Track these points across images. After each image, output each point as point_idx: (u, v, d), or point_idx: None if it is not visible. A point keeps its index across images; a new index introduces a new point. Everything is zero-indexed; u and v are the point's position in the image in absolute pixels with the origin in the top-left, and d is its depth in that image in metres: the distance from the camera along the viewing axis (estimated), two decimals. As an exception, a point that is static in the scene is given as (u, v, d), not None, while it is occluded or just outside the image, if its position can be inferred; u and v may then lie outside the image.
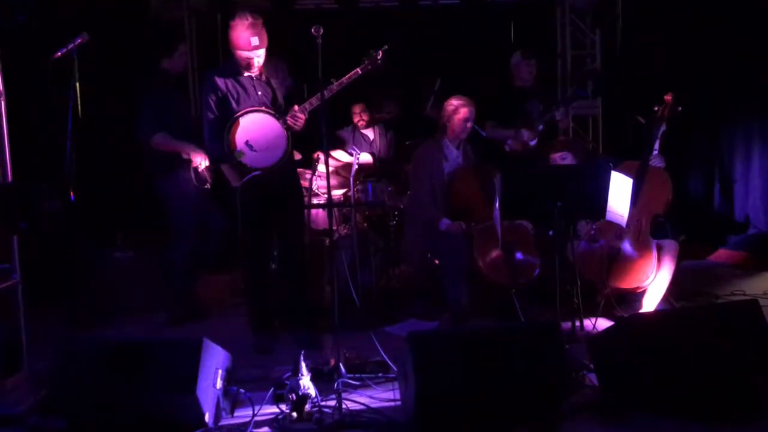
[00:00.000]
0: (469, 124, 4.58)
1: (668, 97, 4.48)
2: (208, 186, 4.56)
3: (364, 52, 4.04)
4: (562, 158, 4.65)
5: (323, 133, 3.66)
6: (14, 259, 3.61)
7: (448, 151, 4.65)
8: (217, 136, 3.95)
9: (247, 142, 3.92)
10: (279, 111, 4.02)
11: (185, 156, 4.47)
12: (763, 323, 3.16)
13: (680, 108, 4.47)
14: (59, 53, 3.64)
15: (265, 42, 3.92)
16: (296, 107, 3.94)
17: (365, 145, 5.88)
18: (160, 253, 4.84)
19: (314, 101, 3.91)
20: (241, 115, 3.94)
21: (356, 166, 5.15)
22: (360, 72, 3.97)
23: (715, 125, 6.40)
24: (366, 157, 5.56)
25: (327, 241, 4.83)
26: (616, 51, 6.56)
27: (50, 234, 4.57)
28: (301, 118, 3.94)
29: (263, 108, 3.98)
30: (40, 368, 3.57)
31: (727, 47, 6.11)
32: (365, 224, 5.28)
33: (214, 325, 4.76)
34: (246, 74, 4.01)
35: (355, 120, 5.93)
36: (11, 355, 3.54)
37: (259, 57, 3.95)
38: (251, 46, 3.88)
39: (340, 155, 5.46)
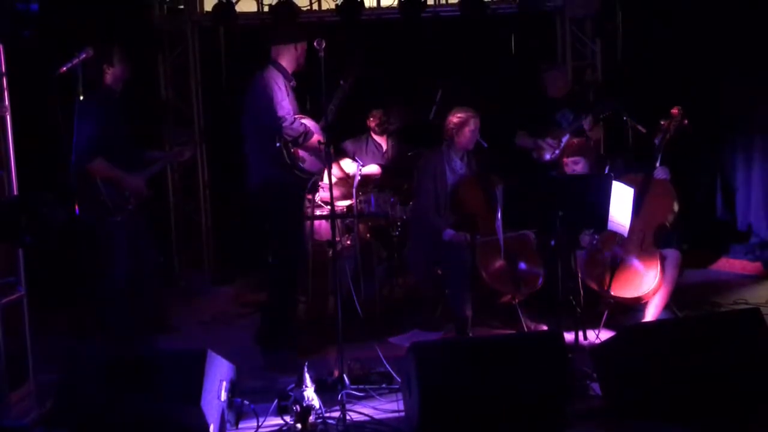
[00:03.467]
0: (474, 135, 4.59)
1: (675, 111, 4.42)
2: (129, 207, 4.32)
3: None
4: (575, 162, 4.64)
5: (326, 143, 3.70)
6: (19, 272, 3.63)
7: (453, 163, 4.67)
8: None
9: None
10: None
11: (126, 186, 4.25)
12: (765, 332, 3.17)
13: (687, 122, 4.43)
14: (64, 68, 3.66)
15: None
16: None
17: (377, 154, 5.86)
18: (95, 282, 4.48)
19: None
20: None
21: (359, 177, 5.17)
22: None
23: (717, 134, 6.41)
24: (371, 169, 5.57)
25: (330, 251, 4.86)
26: (617, 60, 6.58)
27: (55, 247, 4.57)
28: None
29: (305, 115, 4.12)
30: (46, 380, 3.58)
31: (728, 56, 6.14)
32: (368, 235, 5.29)
33: (219, 337, 4.78)
34: (290, 81, 4.13)
35: (372, 124, 5.88)
36: (17, 367, 3.55)
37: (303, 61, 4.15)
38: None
39: (346, 165, 5.45)
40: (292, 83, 4.18)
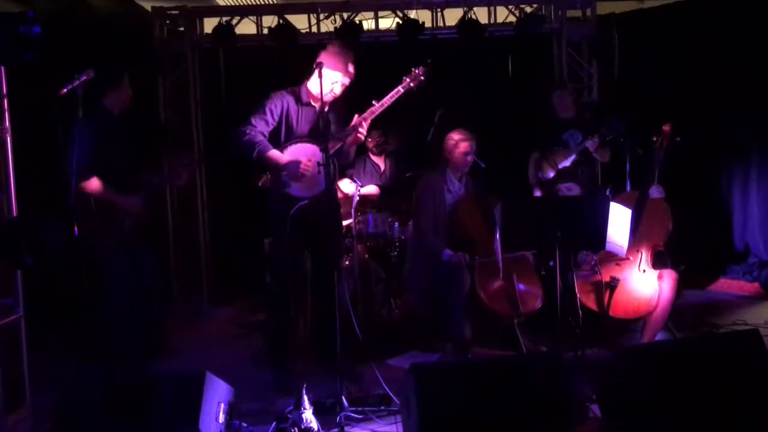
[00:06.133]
0: (469, 158, 4.63)
1: (666, 128, 4.53)
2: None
3: (365, 84, 4.10)
4: (568, 189, 4.70)
5: (325, 163, 3.71)
6: (18, 293, 3.63)
7: (450, 183, 4.69)
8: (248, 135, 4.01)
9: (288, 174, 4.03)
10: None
11: (121, 206, 4.28)
12: (764, 353, 3.17)
13: (679, 138, 4.52)
14: (65, 89, 3.69)
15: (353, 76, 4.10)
16: (356, 118, 4.07)
17: (375, 174, 5.89)
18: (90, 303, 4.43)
19: (375, 110, 4.05)
20: (287, 146, 4.06)
21: (357, 198, 5.19)
22: (402, 90, 4.07)
23: (713, 154, 6.44)
24: (369, 189, 5.59)
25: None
26: (614, 82, 6.63)
27: (54, 268, 4.56)
28: (362, 131, 4.08)
29: (308, 138, 4.08)
30: (43, 403, 3.56)
31: (725, 77, 6.19)
32: (366, 255, 5.29)
33: (217, 358, 4.76)
34: (311, 104, 4.12)
35: (370, 145, 5.90)
36: (14, 389, 3.54)
37: (343, 86, 4.09)
38: (350, 71, 4.04)
39: (345, 185, 5.47)
40: (315, 107, 4.10)
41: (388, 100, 4.05)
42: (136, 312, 4.42)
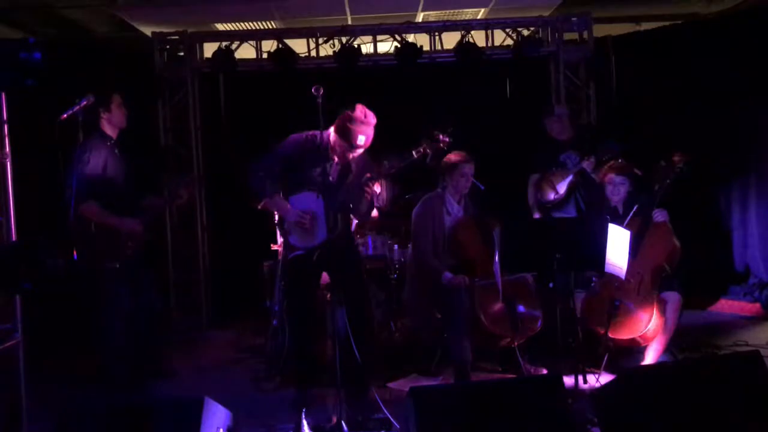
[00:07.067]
0: (468, 180, 4.64)
1: (677, 158, 4.44)
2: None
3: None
4: (622, 183, 4.63)
5: (323, 188, 3.72)
6: (17, 318, 3.62)
7: (449, 205, 4.70)
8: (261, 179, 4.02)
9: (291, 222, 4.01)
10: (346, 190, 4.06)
11: (122, 229, 4.28)
12: (765, 375, 3.15)
13: (687, 168, 4.45)
14: (65, 115, 3.72)
15: (368, 145, 3.96)
16: (368, 175, 3.98)
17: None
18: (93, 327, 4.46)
19: (383, 172, 4.00)
20: (295, 194, 4.03)
21: (357, 220, 5.17)
22: (415, 156, 3.96)
23: (713, 175, 6.46)
24: (369, 212, 5.59)
25: (328, 295, 4.85)
26: (611, 103, 6.67)
27: (53, 293, 4.56)
28: (369, 191, 3.99)
29: (315, 188, 4.00)
30: (41, 429, 3.54)
31: (722, 97, 6.22)
32: (366, 277, 5.27)
33: (216, 381, 4.73)
34: (329, 153, 4.01)
35: None
36: (11, 415, 3.51)
37: (353, 154, 4.01)
38: (357, 144, 3.91)
39: None
40: (333, 157, 4.01)
41: (397, 163, 3.96)
42: (135, 335, 4.40)
